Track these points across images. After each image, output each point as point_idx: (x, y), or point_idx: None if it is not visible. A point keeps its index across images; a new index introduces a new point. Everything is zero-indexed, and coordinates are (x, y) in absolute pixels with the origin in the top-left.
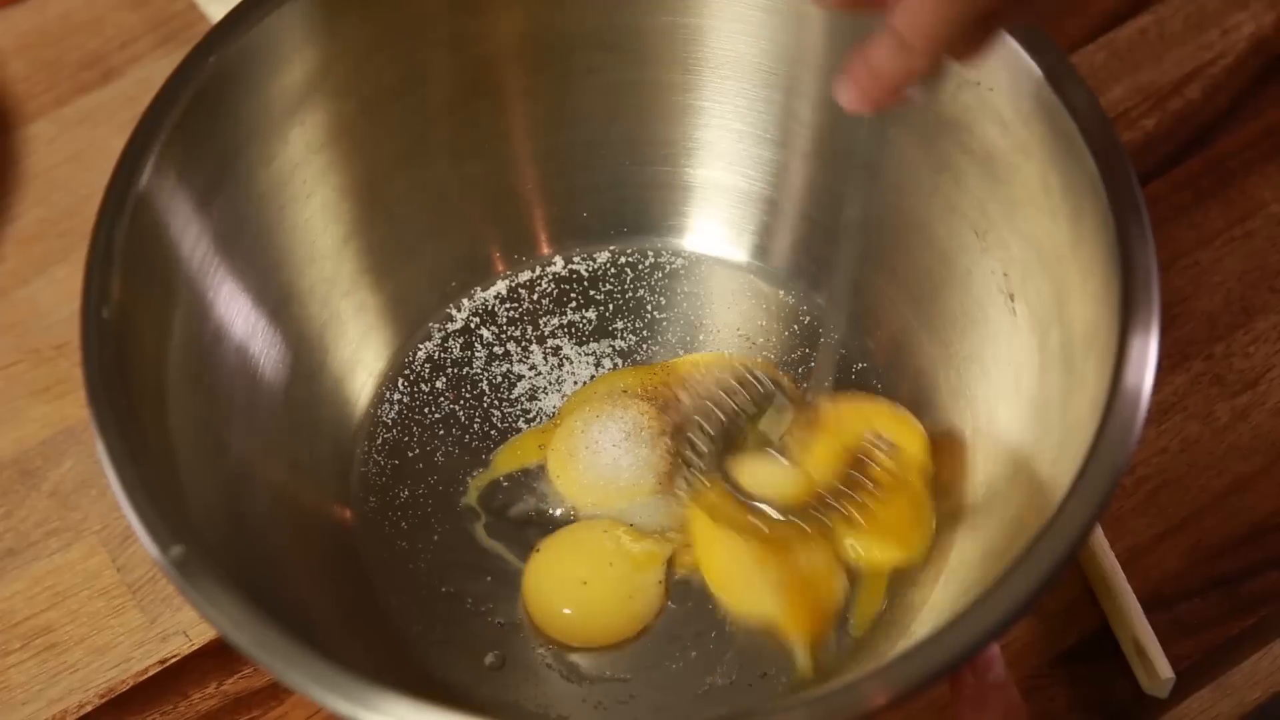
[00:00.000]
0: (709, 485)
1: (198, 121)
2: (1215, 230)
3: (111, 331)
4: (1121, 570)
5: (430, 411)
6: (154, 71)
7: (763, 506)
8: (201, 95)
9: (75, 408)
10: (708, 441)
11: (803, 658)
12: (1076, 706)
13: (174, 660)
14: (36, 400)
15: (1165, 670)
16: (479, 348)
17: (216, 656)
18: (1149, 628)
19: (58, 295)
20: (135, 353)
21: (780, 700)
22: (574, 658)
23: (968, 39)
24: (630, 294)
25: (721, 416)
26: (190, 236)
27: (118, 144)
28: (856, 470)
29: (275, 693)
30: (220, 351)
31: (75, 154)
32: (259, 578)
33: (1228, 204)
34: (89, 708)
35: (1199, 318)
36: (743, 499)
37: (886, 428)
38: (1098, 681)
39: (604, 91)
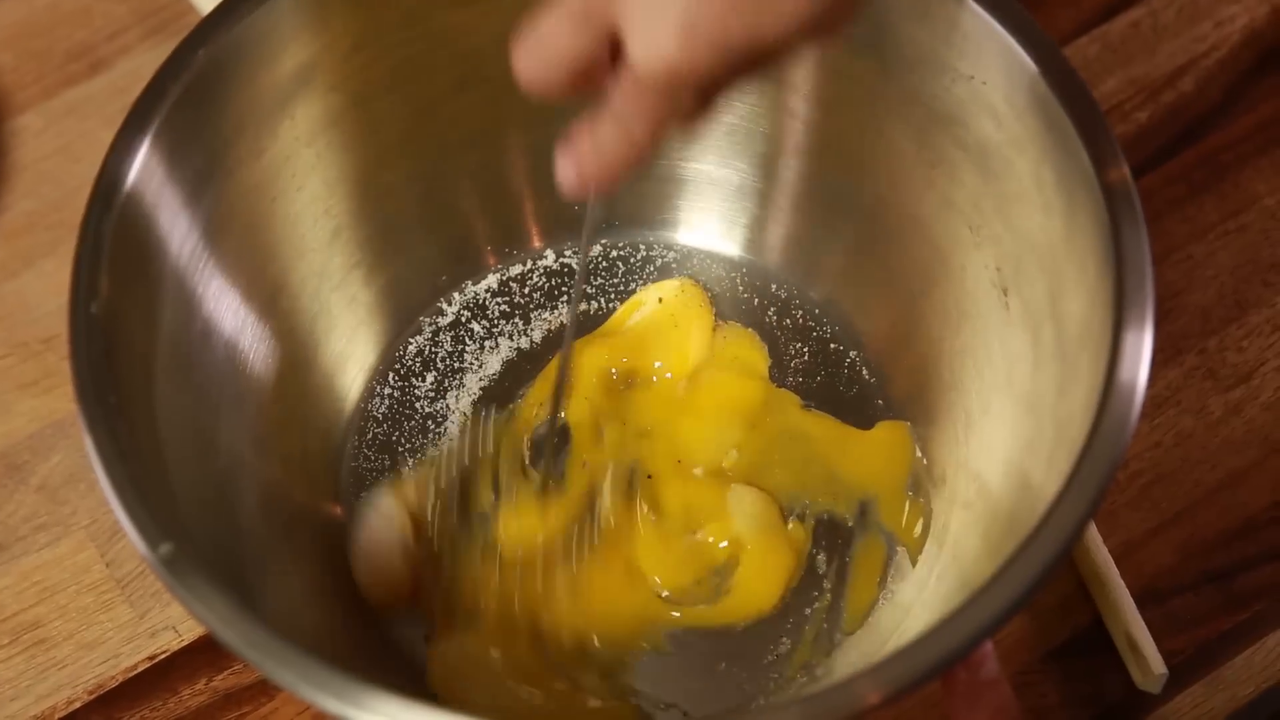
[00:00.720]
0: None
1: (187, 115)
2: (1208, 224)
3: (100, 327)
4: (1114, 565)
5: (421, 406)
6: (142, 63)
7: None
8: (191, 89)
9: (63, 402)
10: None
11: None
12: (1069, 702)
13: (163, 656)
14: (24, 394)
15: (1158, 666)
16: (469, 341)
17: (206, 652)
18: (1142, 623)
19: (46, 289)
20: (124, 348)
21: (775, 699)
22: None
23: (690, 115)
24: (622, 287)
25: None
26: (179, 231)
27: (106, 136)
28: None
29: (266, 689)
30: (209, 346)
31: (63, 146)
32: (249, 575)
33: (1221, 197)
34: (78, 704)
35: (1192, 312)
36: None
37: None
38: (1090, 677)
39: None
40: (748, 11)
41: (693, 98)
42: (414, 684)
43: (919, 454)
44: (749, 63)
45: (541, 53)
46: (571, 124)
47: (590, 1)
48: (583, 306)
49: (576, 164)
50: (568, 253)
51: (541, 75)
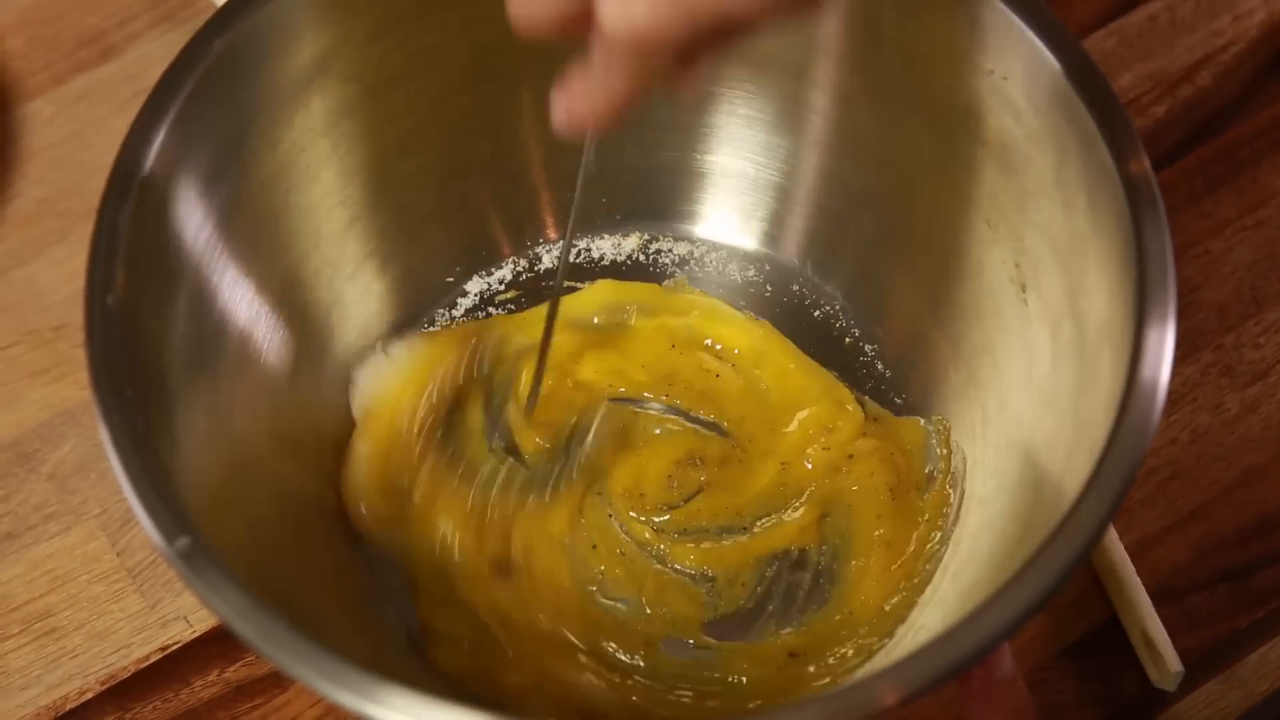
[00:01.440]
0: None
1: (203, 105)
2: (1226, 219)
3: (116, 318)
4: (1130, 562)
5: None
6: (153, 50)
7: None
8: (207, 78)
9: (74, 390)
10: None
11: None
12: (1084, 700)
13: (175, 647)
14: (35, 382)
15: (1175, 664)
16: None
17: (218, 643)
18: (1158, 620)
19: (56, 276)
20: (139, 340)
21: (793, 698)
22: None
23: (670, 78)
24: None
25: None
26: (194, 221)
27: (116, 123)
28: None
29: (278, 681)
30: (224, 338)
31: (74, 133)
32: (263, 568)
33: (1239, 192)
34: (90, 694)
35: (1209, 308)
36: None
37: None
38: (1106, 674)
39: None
40: None
41: (669, 62)
42: (428, 678)
43: (936, 447)
44: (722, 32)
45: (528, 5)
46: (567, 67)
47: None
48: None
49: (567, 106)
50: (583, 244)
51: (531, 18)
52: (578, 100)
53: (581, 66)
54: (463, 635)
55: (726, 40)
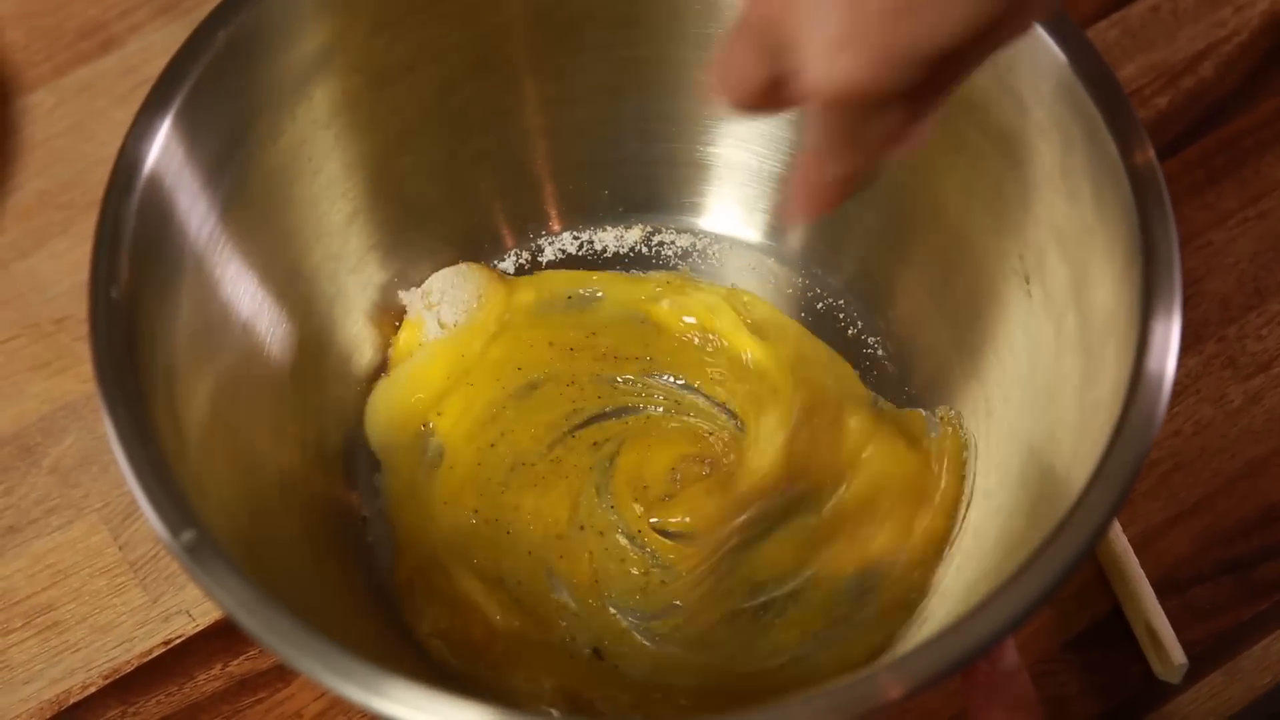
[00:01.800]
0: None
1: (206, 96)
2: (1228, 210)
3: (120, 311)
4: (1134, 554)
5: None
6: (154, 41)
7: None
8: (210, 70)
9: (76, 383)
10: None
11: None
12: (1088, 691)
13: (178, 641)
14: (36, 375)
15: (1179, 656)
16: None
17: (222, 637)
18: (1162, 612)
19: (58, 269)
20: (144, 332)
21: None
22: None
23: (903, 131)
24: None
25: None
26: (198, 213)
27: (118, 114)
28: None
29: (282, 674)
30: (227, 330)
31: (75, 124)
32: (268, 561)
33: (1241, 183)
34: (93, 688)
35: (1212, 299)
36: None
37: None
38: (1110, 666)
39: (616, 67)
40: (912, 16)
41: (894, 114)
42: (431, 671)
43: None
44: (937, 70)
45: (729, 80)
46: (795, 161)
47: (766, 31)
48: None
49: (799, 204)
50: (586, 235)
51: (734, 100)
52: (806, 193)
53: (802, 155)
54: (440, 592)
55: (950, 77)
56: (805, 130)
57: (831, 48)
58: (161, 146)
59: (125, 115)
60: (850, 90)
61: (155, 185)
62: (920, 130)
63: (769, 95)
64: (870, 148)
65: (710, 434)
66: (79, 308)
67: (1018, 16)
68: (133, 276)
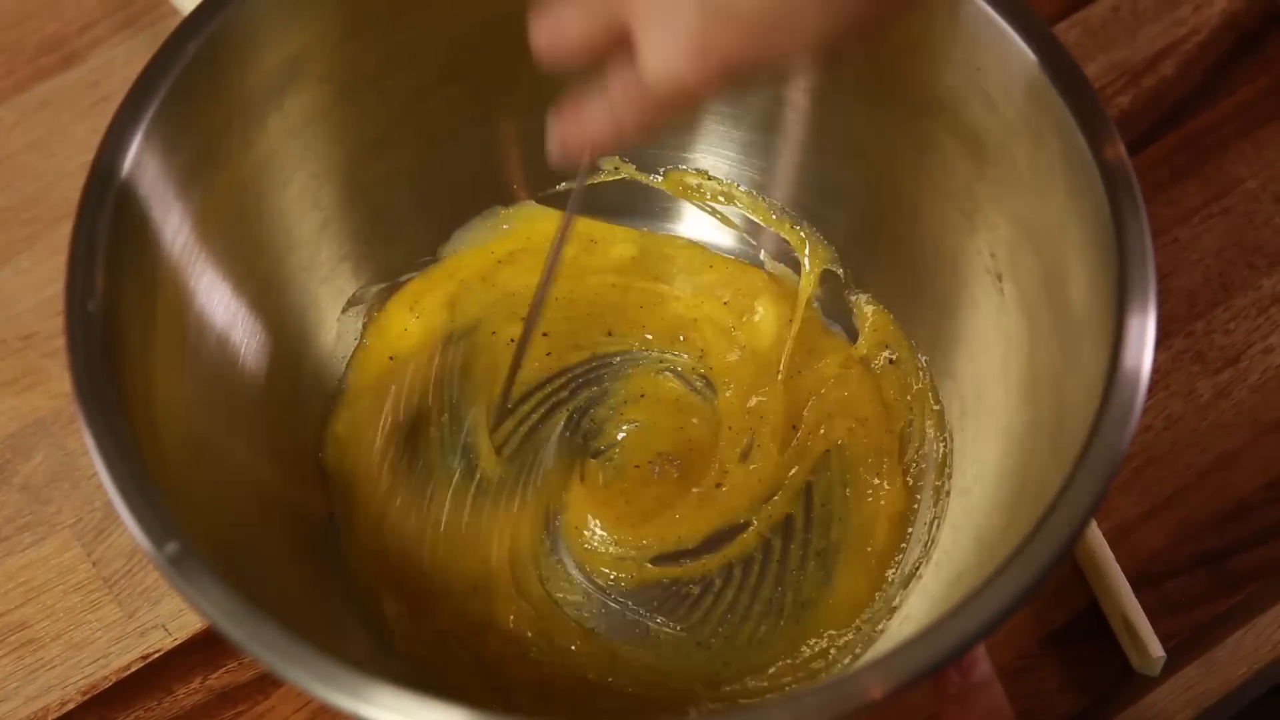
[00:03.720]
0: None
1: (178, 108)
2: (1192, 207)
3: (97, 324)
4: (1109, 549)
5: None
6: (115, 55)
7: None
8: (181, 81)
9: (45, 399)
10: None
11: None
12: (1067, 686)
13: (155, 655)
14: (5, 392)
15: (1156, 649)
16: None
17: (200, 651)
18: (1138, 606)
19: (23, 285)
20: (121, 345)
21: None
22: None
23: (678, 115)
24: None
25: None
26: (171, 225)
27: (80, 129)
28: None
29: (262, 687)
30: (202, 342)
31: (37, 140)
32: (249, 572)
33: (1204, 181)
34: (71, 705)
35: (1178, 295)
36: None
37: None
38: (1088, 661)
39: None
40: (761, 37)
41: (688, 103)
42: (411, 677)
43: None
44: (750, 77)
45: (555, 33)
46: (567, 93)
47: (607, 5)
48: None
49: (563, 134)
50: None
51: (553, 52)
52: (573, 131)
53: (580, 97)
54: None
55: (751, 82)
56: (602, 81)
57: (679, 48)
58: (134, 159)
59: (87, 131)
60: (680, 86)
61: (129, 197)
62: (693, 114)
63: (582, 55)
64: (658, 118)
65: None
66: (46, 324)
67: (847, 38)
68: (108, 289)
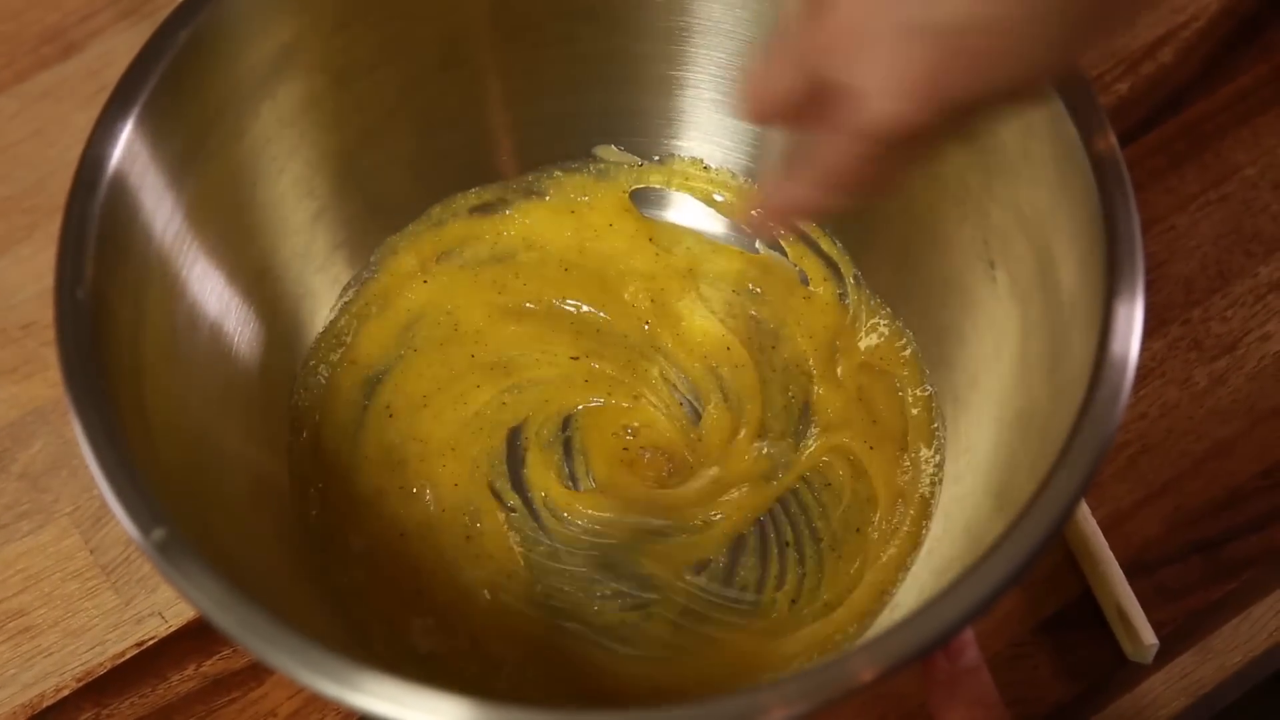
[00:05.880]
0: None
1: (169, 97)
2: (1190, 194)
3: (86, 312)
4: (1103, 537)
5: None
6: (116, 45)
7: None
8: (172, 70)
9: (44, 388)
10: None
11: None
12: (1060, 673)
13: (151, 642)
14: (4, 381)
15: (1149, 636)
16: None
17: (195, 638)
18: (1132, 594)
19: (23, 274)
20: (110, 334)
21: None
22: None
23: (894, 173)
24: None
25: None
26: (163, 213)
27: (81, 119)
28: None
29: (255, 674)
30: (195, 330)
31: (38, 130)
32: (240, 559)
33: (1203, 168)
34: (66, 691)
35: (1175, 282)
36: None
37: None
38: (1081, 648)
39: (580, 62)
40: (987, 68)
41: (909, 151)
42: (399, 665)
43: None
44: (969, 119)
45: (761, 92)
46: (780, 161)
47: (810, 54)
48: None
49: (766, 204)
50: None
51: (758, 111)
52: (777, 203)
53: (790, 167)
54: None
55: (966, 126)
56: (805, 151)
57: (891, 86)
58: (125, 147)
59: (88, 120)
60: (897, 128)
61: (119, 186)
62: (905, 176)
63: (791, 113)
64: (869, 181)
65: None
66: (45, 313)
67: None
68: (98, 277)
